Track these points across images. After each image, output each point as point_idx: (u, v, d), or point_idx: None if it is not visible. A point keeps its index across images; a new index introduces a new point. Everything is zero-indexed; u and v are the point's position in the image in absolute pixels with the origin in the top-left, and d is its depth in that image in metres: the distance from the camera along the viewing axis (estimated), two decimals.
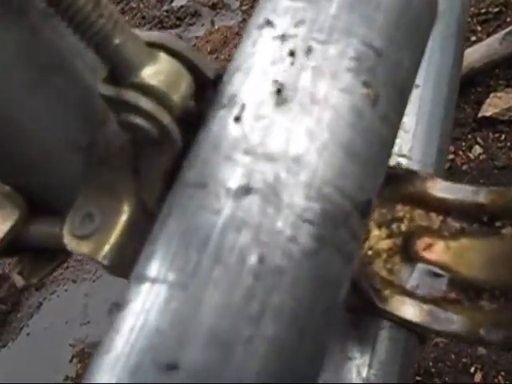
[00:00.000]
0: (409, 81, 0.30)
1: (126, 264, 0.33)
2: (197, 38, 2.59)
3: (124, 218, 0.32)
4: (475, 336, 0.32)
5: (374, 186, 0.27)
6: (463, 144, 2.08)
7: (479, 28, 2.24)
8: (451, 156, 2.07)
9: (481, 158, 2.05)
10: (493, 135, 2.06)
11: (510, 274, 0.33)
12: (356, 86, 0.27)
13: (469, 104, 2.13)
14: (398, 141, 0.50)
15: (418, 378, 1.79)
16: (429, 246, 0.36)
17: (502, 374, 1.72)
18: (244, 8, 2.57)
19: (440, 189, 0.37)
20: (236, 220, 0.24)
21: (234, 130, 0.26)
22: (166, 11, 2.96)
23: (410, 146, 0.49)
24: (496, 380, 1.76)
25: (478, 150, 2.06)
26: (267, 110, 0.26)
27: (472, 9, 2.30)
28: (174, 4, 2.94)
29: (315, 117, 0.26)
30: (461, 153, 2.08)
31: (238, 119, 0.26)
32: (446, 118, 0.52)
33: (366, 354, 0.42)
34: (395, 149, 0.49)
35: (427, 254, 0.36)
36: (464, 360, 1.75)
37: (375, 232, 0.37)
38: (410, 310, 0.34)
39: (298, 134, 0.25)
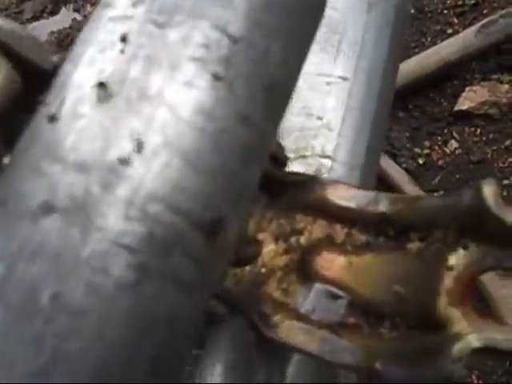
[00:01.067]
0: (283, 76, 0.25)
1: None
2: None
3: None
4: (370, 370, 0.27)
5: (229, 202, 0.22)
6: (439, 138, 2.05)
7: (456, 20, 2.19)
8: (427, 151, 2.03)
9: (456, 152, 2.02)
10: (469, 129, 2.02)
11: (414, 298, 0.28)
12: (203, 80, 0.22)
13: (445, 98, 2.09)
14: (321, 140, 0.45)
15: None
16: (329, 263, 0.31)
17: (476, 373, 1.70)
18: None
19: (342, 196, 0.32)
20: (30, 247, 0.19)
21: (46, 132, 0.21)
22: None
23: (334, 145, 0.45)
24: (469, 379, 1.74)
25: (453, 144, 2.03)
26: (87, 108, 0.21)
27: (448, 1, 2.26)
28: None
29: (145, 116, 0.21)
30: (436, 147, 2.04)
31: (53, 119, 0.21)
32: (379, 114, 0.48)
33: (273, 379, 0.38)
34: (318, 149, 0.45)
35: (326, 272, 0.31)
36: None
37: (271, 246, 0.33)
38: (301, 338, 0.29)
39: (120, 137, 0.20)
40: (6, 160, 0.24)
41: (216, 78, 0.22)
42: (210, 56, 0.22)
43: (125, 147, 0.20)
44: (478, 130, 2.00)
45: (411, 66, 2.06)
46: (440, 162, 2.02)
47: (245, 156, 0.23)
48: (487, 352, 0.22)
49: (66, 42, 2.94)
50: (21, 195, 0.20)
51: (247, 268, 0.32)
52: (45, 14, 2.80)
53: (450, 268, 0.26)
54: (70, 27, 2.94)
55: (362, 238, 0.32)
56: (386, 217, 0.31)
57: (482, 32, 1.96)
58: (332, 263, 0.31)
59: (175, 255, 0.20)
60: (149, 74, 0.21)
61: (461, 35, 2.05)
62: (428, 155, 2.03)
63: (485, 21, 1.97)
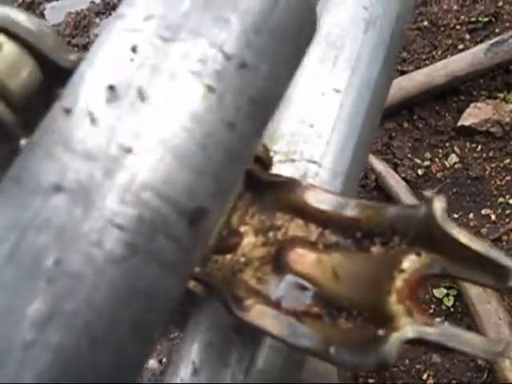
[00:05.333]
0: (270, 90, 0.29)
1: None
2: None
3: None
4: (325, 354, 0.31)
5: (211, 195, 0.26)
6: (440, 151, 2.08)
7: (467, 36, 2.22)
8: (427, 162, 2.07)
9: (456, 166, 2.05)
10: (470, 145, 2.06)
11: (370, 294, 0.32)
12: (197, 90, 0.25)
13: (450, 112, 2.12)
14: (310, 146, 0.49)
15: (370, 381, 1.80)
16: (301, 258, 0.35)
17: (454, 382, 1.74)
18: None
19: (319, 199, 0.36)
20: (40, 219, 0.23)
21: (61, 122, 0.25)
22: None
23: (322, 152, 0.48)
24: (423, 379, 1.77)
25: (454, 158, 2.06)
26: (97, 106, 0.25)
27: (462, 16, 2.28)
28: None
29: (145, 117, 0.24)
30: (437, 160, 2.08)
31: (68, 111, 0.25)
32: (366, 127, 0.51)
33: (244, 360, 0.42)
34: (306, 154, 0.48)
35: (297, 266, 0.35)
36: (418, 366, 1.77)
37: (251, 239, 0.37)
38: (269, 321, 0.33)
39: (122, 134, 0.24)
40: (23, 142, 0.28)
41: (209, 89, 0.26)
42: (205, 70, 0.26)
43: (125, 142, 0.24)
44: (479, 147, 2.03)
45: (420, 78, 2.09)
46: (439, 175, 2.05)
47: (228, 157, 0.27)
48: (420, 343, 0.26)
49: (82, 23, 2.97)
50: (34, 174, 0.24)
51: (228, 256, 0.36)
52: None
53: (402, 271, 0.30)
54: (88, 9, 2.98)
55: (332, 238, 0.35)
56: (355, 221, 0.35)
57: (491, 50, 1.99)
58: (304, 258, 0.35)
59: (160, 237, 0.24)
60: (152, 82, 0.25)
61: (470, 52, 2.08)
62: (428, 167, 2.06)
63: (495, 39, 2.00)
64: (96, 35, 2.88)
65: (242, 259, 0.36)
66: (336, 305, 0.33)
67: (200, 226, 0.26)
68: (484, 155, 2.02)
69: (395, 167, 2.03)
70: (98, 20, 2.95)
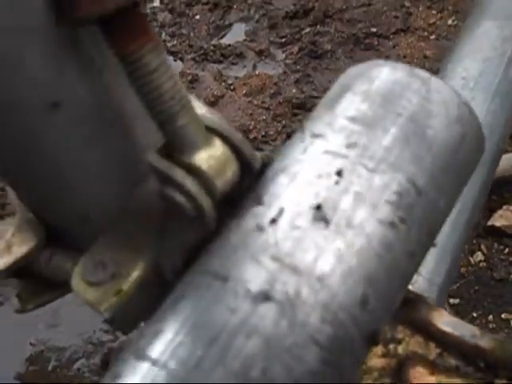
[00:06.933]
0: (441, 221, 0.31)
1: (127, 321, 0.33)
2: (236, 78, 2.65)
3: (136, 274, 0.32)
4: None
5: (384, 318, 0.28)
6: (466, 247, 2.09)
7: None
8: None
9: (481, 265, 2.04)
10: (497, 246, 2.06)
11: None
12: (392, 220, 0.27)
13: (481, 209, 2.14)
14: None
15: None
16: (421, 377, 0.36)
17: None
18: (288, 61, 2.64)
19: (444, 322, 0.37)
20: (248, 325, 0.24)
21: (267, 231, 0.27)
22: (214, 46, 3.04)
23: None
24: None
25: (479, 256, 2.06)
26: (303, 223, 0.26)
27: None
28: (222, 41, 3.02)
29: (348, 241, 0.26)
30: (462, 255, 2.08)
31: (273, 222, 0.27)
32: (462, 242, 0.53)
33: None
34: None
35: None
36: None
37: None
38: None
39: (327, 253, 0.26)
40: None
41: (401, 220, 0.28)
42: (400, 202, 0.28)
43: (329, 261, 0.26)
44: (506, 250, 2.04)
45: None
46: (462, 270, 2.04)
47: (404, 282, 0.28)
48: None
49: None
50: (241, 278, 0.25)
51: None
52: None
53: None
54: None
55: (451, 361, 0.36)
56: (478, 350, 0.35)
57: None
58: (424, 378, 0.36)
59: (346, 356, 0.25)
60: (356, 208, 0.27)
61: (508, 155, 2.12)
62: None
63: None
64: None
65: (363, 367, 0.36)
66: None
67: (372, 347, 0.27)
68: (510, 258, 2.02)
69: None
70: None
